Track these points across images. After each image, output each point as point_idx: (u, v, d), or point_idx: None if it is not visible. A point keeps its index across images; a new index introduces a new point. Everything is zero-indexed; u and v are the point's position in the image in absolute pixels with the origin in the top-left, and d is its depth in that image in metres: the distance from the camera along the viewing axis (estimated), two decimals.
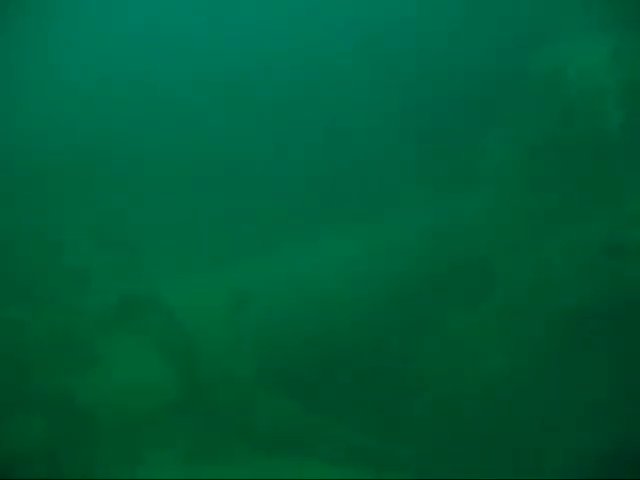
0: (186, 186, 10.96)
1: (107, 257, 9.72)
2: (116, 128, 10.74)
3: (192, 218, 10.67)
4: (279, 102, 10.82)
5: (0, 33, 10.19)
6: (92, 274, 9.22)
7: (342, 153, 10.75)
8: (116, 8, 11.29)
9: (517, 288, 8.50)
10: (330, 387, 8.39)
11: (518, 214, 9.11)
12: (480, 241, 9.10)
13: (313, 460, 7.69)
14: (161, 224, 10.58)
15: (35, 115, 10.45)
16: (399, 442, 7.57)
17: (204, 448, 7.95)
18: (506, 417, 7.62)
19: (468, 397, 7.93)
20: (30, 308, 8.23)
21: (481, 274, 8.89)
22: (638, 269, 7.87)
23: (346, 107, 10.88)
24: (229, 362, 8.28)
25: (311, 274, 9.42)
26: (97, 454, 7.47)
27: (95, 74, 10.75)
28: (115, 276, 9.31)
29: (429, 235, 9.64)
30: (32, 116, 10.43)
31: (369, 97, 10.60)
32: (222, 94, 10.84)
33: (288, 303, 9.03)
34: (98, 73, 10.76)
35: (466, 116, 9.86)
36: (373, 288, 9.47)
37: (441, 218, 9.79)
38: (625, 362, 7.49)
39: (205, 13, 11.20)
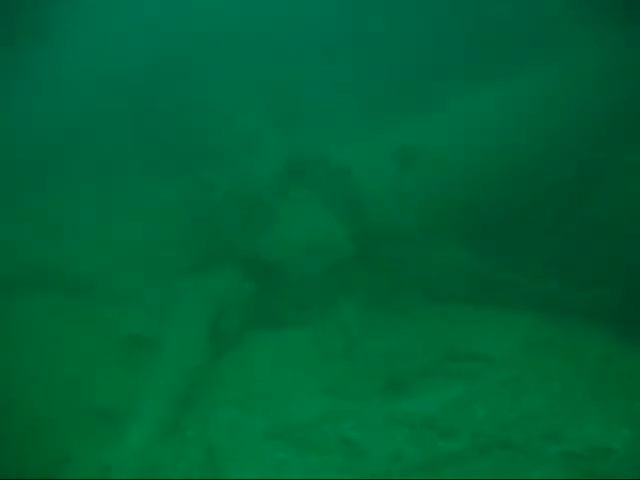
0: (344, 55, 10.99)
1: (276, 125, 10.09)
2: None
3: (353, 82, 10.73)
4: None
5: None
6: (263, 141, 9.64)
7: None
8: None
9: None
10: (503, 238, 8.39)
11: None
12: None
13: (490, 307, 7.84)
14: (322, 91, 10.77)
15: None
16: (579, 287, 7.51)
17: (380, 299, 8.33)
18: None
19: None
20: (215, 172, 8.82)
21: None
22: None
23: None
24: (399, 217, 8.45)
25: (476, 129, 9.26)
26: (287, 300, 8.10)
27: None
28: (285, 141, 9.68)
29: None
30: None
31: None
32: None
33: (454, 159, 8.97)
34: None
35: None
36: (535, 139, 9.22)
37: None
38: None
39: None
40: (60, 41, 11.63)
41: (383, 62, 11.16)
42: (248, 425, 6.35)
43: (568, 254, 8.14)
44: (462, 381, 6.76)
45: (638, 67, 8.98)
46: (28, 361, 7.34)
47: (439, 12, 10.99)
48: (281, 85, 11.34)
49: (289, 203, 8.65)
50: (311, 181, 8.78)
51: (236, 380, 7.20)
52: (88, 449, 6.03)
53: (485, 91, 9.54)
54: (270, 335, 7.92)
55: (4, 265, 9.01)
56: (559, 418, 5.99)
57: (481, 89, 9.54)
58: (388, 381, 6.93)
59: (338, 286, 8.41)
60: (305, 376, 7.18)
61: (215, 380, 7.18)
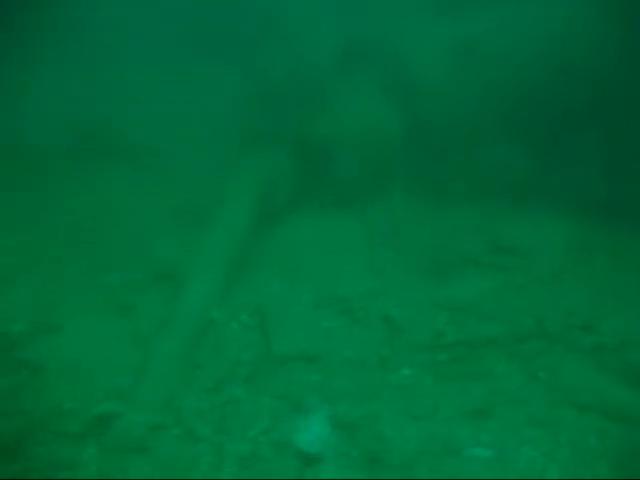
0: None
1: (335, 10, 9.91)
2: None
3: None
4: None
5: None
6: (322, 25, 9.52)
7: None
8: None
9: None
10: (554, 140, 8.36)
11: None
12: None
13: (535, 205, 7.95)
14: None
15: None
16: (624, 192, 7.55)
17: (427, 189, 8.48)
18: None
19: None
20: (273, 56, 8.82)
21: None
22: None
23: None
24: (452, 110, 8.46)
25: (536, 24, 9.03)
26: (336, 184, 8.29)
27: None
28: (343, 27, 9.55)
29: None
30: None
31: None
32: None
33: (510, 58, 8.82)
34: None
35: None
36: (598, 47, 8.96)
37: None
38: None
39: None
40: None
41: None
42: (296, 296, 6.69)
43: (617, 162, 8.14)
44: (502, 273, 6.98)
45: None
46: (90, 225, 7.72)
47: None
48: None
49: (344, 88, 8.68)
50: (367, 67, 8.77)
51: (285, 255, 7.51)
52: (151, 304, 6.43)
53: None
54: (317, 217, 8.17)
55: (75, 128, 9.30)
56: (596, 312, 6.22)
57: None
58: (430, 267, 7.19)
59: (386, 174, 8.55)
60: (351, 256, 7.45)
61: (265, 253, 7.49)
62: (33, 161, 8.90)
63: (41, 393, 5.24)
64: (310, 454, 4.70)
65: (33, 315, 6.22)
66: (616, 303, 6.31)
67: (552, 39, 8.86)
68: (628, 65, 8.04)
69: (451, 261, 7.17)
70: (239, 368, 5.73)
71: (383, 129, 8.51)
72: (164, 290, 6.68)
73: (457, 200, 8.30)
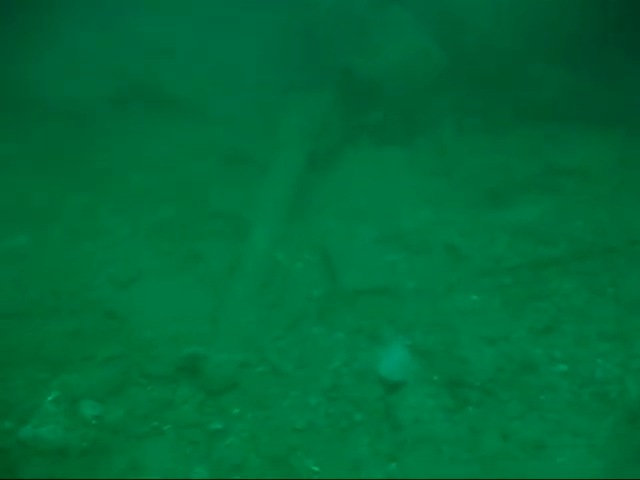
0: None
1: None
2: None
3: None
4: None
5: None
6: None
7: None
8: None
9: None
10: (599, 59, 8.23)
11: None
12: None
13: (587, 124, 7.88)
14: None
15: None
16: None
17: (475, 118, 8.46)
18: None
19: None
20: None
21: None
22: None
23: None
24: (495, 36, 8.35)
25: None
26: (384, 120, 8.32)
27: None
28: None
29: None
30: None
31: None
32: None
33: None
34: None
35: None
36: None
37: None
38: None
39: None
40: None
41: None
42: (358, 232, 6.83)
43: None
44: (559, 194, 7.03)
45: None
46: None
47: None
48: None
49: (386, 23, 8.60)
50: (407, 0, 8.67)
51: (341, 193, 7.63)
52: (216, 251, 6.63)
53: None
54: (369, 153, 8.24)
55: (114, 84, 9.40)
56: None
57: None
58: (487, 194, 7.26)
59: (434, 106, 8.55)
60: (407, 190, 7.54)
61: (321, 193, 7.62)
62: (81, 113, 9.01)
63: (129, 340, 5.51)
64: (393, 381, 4.90)
65: (109, 269, 6.45)
66: None
67: None
68: None
69: (506, 186, 7.23)
70: (311, 305, 5.93)
71: (426, 60, 8.45)
72: (226, 236, 6.87)
73: (506, 125, 8.31)
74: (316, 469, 4.32)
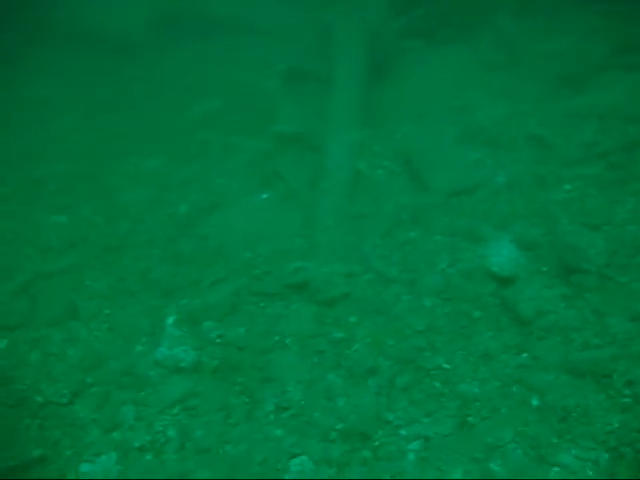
0: None
1: None
2: None
3: None
4: None
5: None
6: None
7: None
8: None
9: None
10: None
11: None
12: None
13: None
14: None
15: None
16: None
17: (534, 4, 8.10)
18: None
19: None
20: None
21: None
22: None
23: None
24: None
25: None
26: (439, 18, 8.02)
27: None
28: None
29: None
30: None
31: None
32: None
33: None
34: None
35: None
36: None
37: None
38: None
39: None
40: None
41: None
42: (436, 133, 6.72)
43: None
44: (638, 73, 6.76)
45: None
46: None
47: None
48: None
49: None
50: None
51: (409, 97, 7.50)
52: (294, 164, 6.59)
53: None
54: (428, 52, 8.07)
55: (155, 9, 9.17)
56: None
57: None
58: (561, 80, 7.05)
59: None
60: (475, 85, 7.38)
61: (389, 98, 7.50)
62: (130, 42, 8.83)
63: (230, 262, 5.57)
64: (504, 276, 4.91)
65: (191, 195, 6.47)
66: None
67: None
68: None
69: (579, 70, 7.03)
70: (402, 211, 5.91)
71: None
72: (302, 151, 6.80)
73: (568, 6, 7.93)
74: (447, 366, 4.40)
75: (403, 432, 4.06)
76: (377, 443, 4.02)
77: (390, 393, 4.28)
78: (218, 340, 4.81)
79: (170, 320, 4.95)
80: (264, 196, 6.43)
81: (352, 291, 5.10)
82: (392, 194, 6.13)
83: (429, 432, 4.03)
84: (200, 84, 8.11)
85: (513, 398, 4.10)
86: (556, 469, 3.70)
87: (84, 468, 4.03)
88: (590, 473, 3.63)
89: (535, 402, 4.06)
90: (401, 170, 6.39)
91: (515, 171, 6.01)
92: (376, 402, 4.22)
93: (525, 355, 4.34)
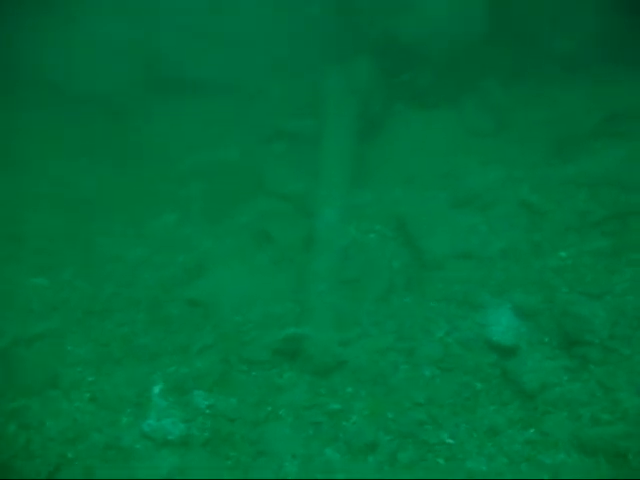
0: None
1: None
2: None
3: None
4: None
5: None
6: None
7: None
8: None
9: None
10: None
11: None
12: None
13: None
14: None
15: None
16: None
17: (522, 73, 8.22)
18: None
19: None
20: None
21: None
22: None
23: None
24: None
25: None
26: (428, 82, 8.09)
27: None
28: None
29: None
30: None
31: None
32: None
33: None
34: None
35: None
36: None
37: None
38: None
39: None
40: None
41: None
42: (428, 197, 6.67)
43: None
44: (628, 139, 6.80)
45: None
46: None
47: None
48: None
49: None
50: None
51: (397, 159, 7.49)
52: (284, 227, 6.47)
53: None
54: (419, 116, 8.08)
55: (139, 67, 9.13)
56: None
57: None
58: (551, 147, 7.08)
59: (477, 64, 8.31)
60: (465, 149, 7.39)
61: (378, 161, 7.46)
62: (113, 99, 8.76)
63: (220, 327, 5.37)
64: (505, 346, 4.78)
65: (178, 257, 6.29)
66: None
67: None
68: None
69: (571, 136, 7.06)
70: (396, 276, 5.79)
71: (465, 20, 8.20)
72: (289, 216, 6.70)
73: (554, 76, 8.04)
74: (451, 441, 4.21)
75: None
76: None
77: (392, 470, 4.03)
78: (208, 411, 4.58)
79: (157, 389, 4.72)
80: (254, 259, 6.25)
81: (347, 359, 4.92)
82: (384, 258, 6.03)
83: None
84: (186, 145, 8.00)
85: (523, 477, 3.88)
86: None
87: None
88: None
89: None
90: (393, 234, 6.30)
91: (509, 237, 5.93)
92: None
93: (532, 430, 4.16)
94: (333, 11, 8.65)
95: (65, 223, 6.80)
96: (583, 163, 6.59)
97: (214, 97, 8.98)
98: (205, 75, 9.22)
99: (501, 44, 8.37)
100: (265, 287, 5.85)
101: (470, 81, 8.17)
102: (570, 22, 8.35)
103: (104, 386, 4.81)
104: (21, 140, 8.08)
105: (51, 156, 7.76)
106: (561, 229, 5.95)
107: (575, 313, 4.83)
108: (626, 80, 7.50)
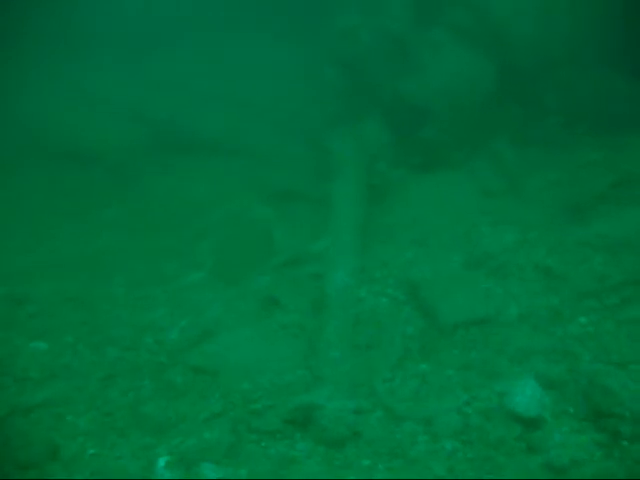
0: None
1: None
2: None
3: None
4: None
5: None
6: None
7: None
8: None
9: None
10: None
11: None
12: None
13: None
14: None
15: None
16: None
17: (533, 134, 8.22)
18: None
19: None
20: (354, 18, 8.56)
21: None
22: None
23: None
24: (543, 46, 8.15)
25: None
26: (437, 142, 8.06)
27: None
28: None
29: None
30: None
31: None
32: None
33: None
34: None
35: None
36: None
37: None
38: None
39: None
40: None
41: None
42: (440, 259, 6.51)
43: None
44: None
45: None
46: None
47: None
48: None
49: (430, 45, 8.41)
50: (451, 21, 8.49)
51: (408, 221, 7.34)
52: (292, 291, 6.30)
53: None
54: (428, 178, 7.98)
55: (140, 128, 9.12)
56: None
57: None
58: (564, 210, 6.97)
59: (486, 125, 8.30)
60: (476, 211, 7.27)
61: (388, 224, 7.32)
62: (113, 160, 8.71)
63: (227, 395, 5.14)
64: (528, 418, 4.55)
65: (182, 320, 6.10)
66: None
67: None
68: None
69: (584, 199, 6.93)
70: (411, 343, 5.59)
71: (473, 81, 8.23)
72: (298, 280, 6.53)
73: (564, 139, 8.02)
74: None
75: None
76: None
77: None
78: None
79: (162, 462, 4.44)
80: (261, 323, 6.04)
81: (362, 430, 4.68)
82: (398, 324, 5.83)
83: None
84: (193, 207, 7.90)
85: None
86: None
87: None
88: None
89: None
90: (405, 298, 6.12)
91: (527, 302, 5.76)
92: None
93: None
94: (347, 74, 8.66)
95: (64, 287, 6.62)
96: (598, 226, 6.47)
97: (224, 157, 8.91)
98: (216, 137, 9.18)
99: (509, 105, 8.38)
100: (274, 353, 5.67)
101: (480, 141, 8.14)
102: (577, 85, 8.37)
103: (106, 460, 4.54)
104: (20, 201, 8.00)
105: (56, 215, 7.62)
106: (579, 293, 5.76)
107: (601, 383, 4.60)
108: (635, 144, 7.43)
